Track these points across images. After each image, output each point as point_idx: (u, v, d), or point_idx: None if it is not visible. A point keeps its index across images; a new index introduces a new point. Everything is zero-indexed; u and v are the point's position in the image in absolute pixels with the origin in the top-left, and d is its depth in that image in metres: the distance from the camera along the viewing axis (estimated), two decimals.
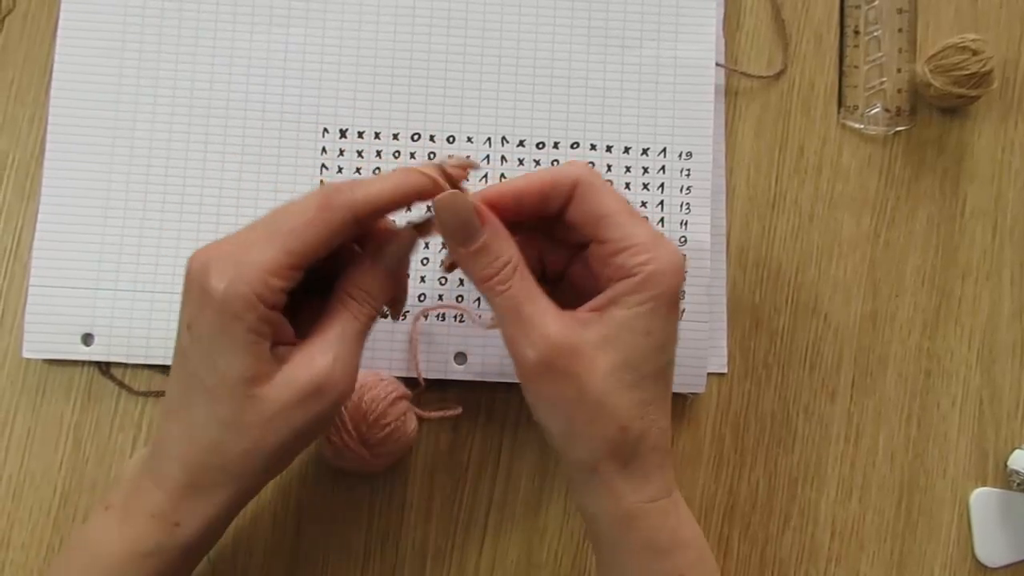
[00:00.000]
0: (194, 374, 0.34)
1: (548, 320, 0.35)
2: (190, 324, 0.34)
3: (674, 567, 0.36)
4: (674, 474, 0.38)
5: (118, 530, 0.35)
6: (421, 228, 0.36)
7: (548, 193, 0.36)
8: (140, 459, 0.36)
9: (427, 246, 0.47)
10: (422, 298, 0.47)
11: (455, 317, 0.47)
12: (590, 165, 0.36)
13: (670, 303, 0.35)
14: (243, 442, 0.33)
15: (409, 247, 0.36)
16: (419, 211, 0.37)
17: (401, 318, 0.47)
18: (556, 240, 0.38)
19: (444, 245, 0.37)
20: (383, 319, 0.46)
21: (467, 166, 0.36)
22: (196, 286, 0.33)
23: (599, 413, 0.35)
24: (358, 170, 0.48)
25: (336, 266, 0.36)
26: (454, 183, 0.35)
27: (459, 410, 0.46)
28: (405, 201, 0.35)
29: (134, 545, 0.34)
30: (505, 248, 0.35)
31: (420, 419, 0.46)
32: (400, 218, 0.37)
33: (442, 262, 0.39)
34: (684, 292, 0.47)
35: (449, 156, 0.37)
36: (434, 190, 0.35)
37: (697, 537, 0.38)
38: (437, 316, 0.47)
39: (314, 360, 0.34)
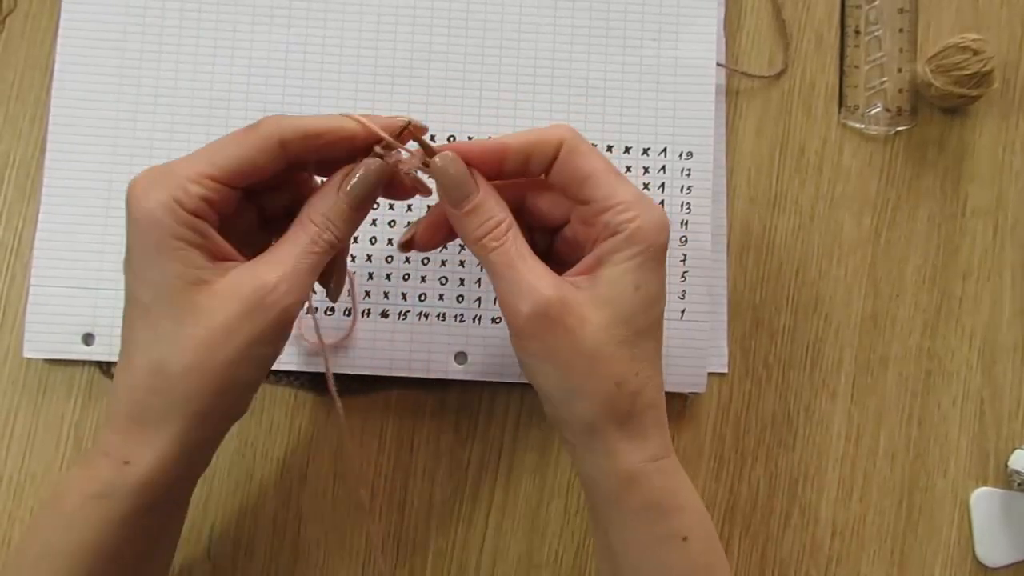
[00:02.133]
0: (134, 299, 0.34)
1: (540, 275, 0.35)
2: (126, 249, 0.34)
3: (676, 528, 0.36)
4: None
5: (76, 474, 0.34)
6: (387, 156, 0.36)
7: (532, 152, 0.36)
8: None
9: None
10: (423, 298, 0.47)
11: (455, 317, 0.47)
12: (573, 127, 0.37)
13: (657, 257, 0.36)
14: (185, 357, 0.32)
15: (376, 175, 0.36)
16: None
17: (348, 316, 0.47)
18: (539, 219, 0.39)
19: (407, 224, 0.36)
20: (374, 317, 0.46)
21: (414, 127, 0.36)
22: (126, 209, 0.33)
23: (594, 368, 0.35)
24: None
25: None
26: (397, 135, 0.35)
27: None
28: (334, 140, 0.35)
29: (87, 486, 0.33)
30: (499, 208, 0.36)
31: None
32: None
33: (400, 239, 0.39)
34: (685, 292, 0.47)
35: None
36: (364, 136, 0.35)
37: (697, 500, 0.38)
38: (438, 316, 0.47)
39: (260, 272, 0.34)
